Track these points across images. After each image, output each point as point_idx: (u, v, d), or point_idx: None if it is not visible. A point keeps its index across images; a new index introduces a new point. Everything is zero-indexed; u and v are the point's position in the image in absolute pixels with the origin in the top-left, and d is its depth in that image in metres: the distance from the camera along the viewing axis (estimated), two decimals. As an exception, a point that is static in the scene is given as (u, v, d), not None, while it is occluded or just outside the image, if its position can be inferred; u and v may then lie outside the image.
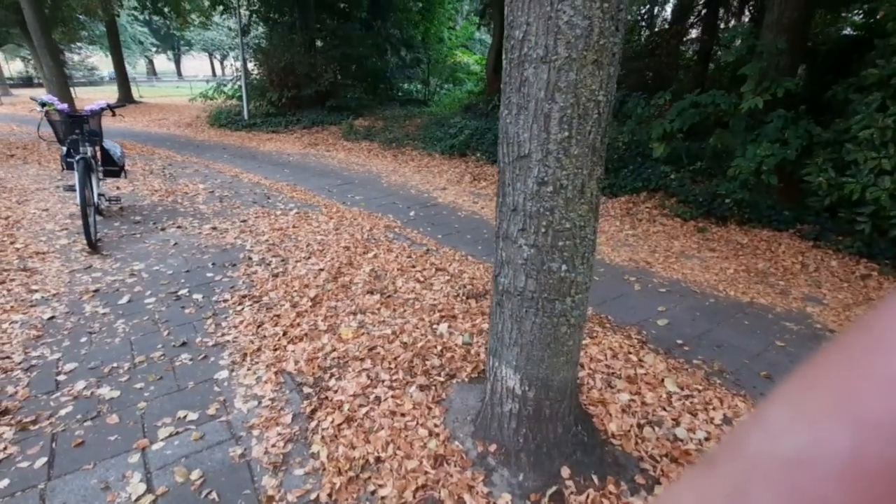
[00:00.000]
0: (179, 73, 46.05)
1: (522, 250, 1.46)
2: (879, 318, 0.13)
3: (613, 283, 3.86)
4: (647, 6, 10.36)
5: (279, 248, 4.06)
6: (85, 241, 3.86)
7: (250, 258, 3.87)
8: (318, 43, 13.03)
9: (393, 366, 2.49)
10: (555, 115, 1.20)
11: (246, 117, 12.05)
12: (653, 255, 4.46)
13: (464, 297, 3.27)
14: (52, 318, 2.95)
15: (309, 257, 3.86)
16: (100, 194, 4.36)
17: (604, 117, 1.25)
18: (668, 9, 10.70)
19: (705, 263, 4.28)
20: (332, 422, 2.11)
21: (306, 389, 2.34)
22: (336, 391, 2.32)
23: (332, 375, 2.44)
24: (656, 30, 9.86)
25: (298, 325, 2.89)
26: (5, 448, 1.99)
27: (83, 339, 2.75)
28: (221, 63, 44.44)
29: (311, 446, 2.00)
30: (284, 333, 2.80)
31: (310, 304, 3.12)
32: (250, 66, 12.67)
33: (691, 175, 5.99)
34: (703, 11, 9.04)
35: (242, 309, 3.09)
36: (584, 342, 2.68)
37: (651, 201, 5.90)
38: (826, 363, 0.13)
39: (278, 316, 2.99)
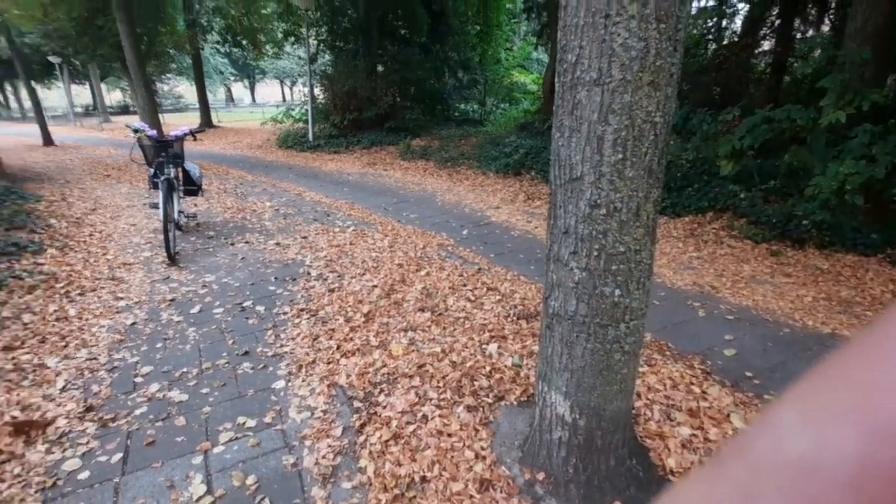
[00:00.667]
0: (254, 99, 49.69)
1: (574, 273, 1.43)
2: (891, 324, 0.13)
3: (675, 307, 3.66)
4: (715, 19, 9.97)
5: (336, 264, 4.21)
6: (165, 254, 4.21)
7: (309, 273, 4.04)
8: (380, 68, 13.61)
9: (441, 384, 2.49)
10: (608, 138, 1.18)
11: (311, 139, 12.74)
12: (719, 279, 4.19)
13: (514, 318, 3.23)
14: (134, 323, 3.23)
15: (364, 273, 3.98)
16: (179, 211, 4.76)
17: (661, 139, 1.21)
18: (738, 21, 10.24)
19: (779, 290, 3.96)
20: (380, 437, 2.14)
21: (356, 403, 2.39)
22: (385, 407, 2.35)
23: (381, 391, 2.47)
24: (724, 43, 9.44)
25: (351, 339, 2.97)
26: (88, 442, 2.18)
27: (159, 345, 2.98)
28: (291, 89, 47.55)
29: (360, 460, 2.03)
30: (338, 347, 2.89)
31: (363, 319, 3.21)
32: (316, 91, 13.43)
33: (763, 194, 5.61)
34: (777, 22, 8.56)
35: (300, 322, 3.23)
36: (640, 370, 2.55)
37: (718, 222, 5.58)
38: (836, 367, 0.13)
39: (333, 330, 3.09)
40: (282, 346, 2.96)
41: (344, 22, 13.83)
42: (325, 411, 2.35)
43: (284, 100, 44.76)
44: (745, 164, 5.65)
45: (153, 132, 4.41)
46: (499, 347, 2.83)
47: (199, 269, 4.17)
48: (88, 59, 18.06)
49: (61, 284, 3.76)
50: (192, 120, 21.64)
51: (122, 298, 3.59)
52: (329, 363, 2.74)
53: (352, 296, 3.55)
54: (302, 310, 3.39)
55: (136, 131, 4.36)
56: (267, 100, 48.65)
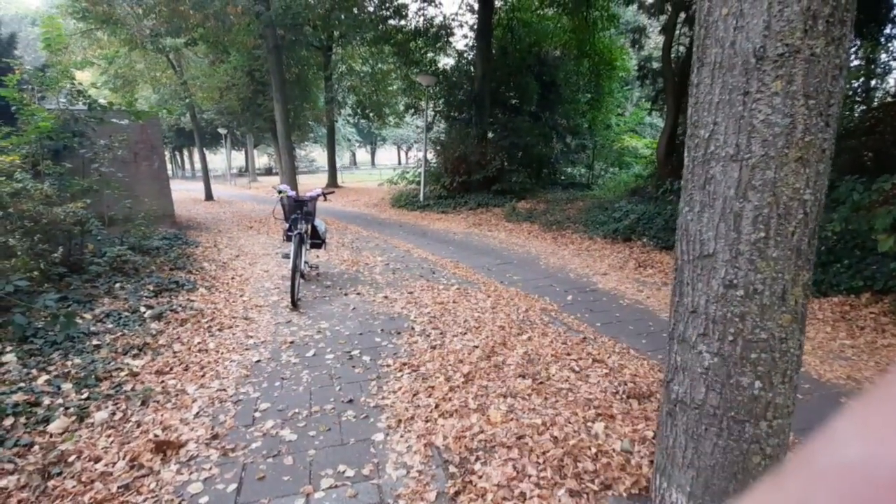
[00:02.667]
0: (373, 163, 54.91)
1: (703, 357, 1.30)
2: None
3: (822, 404, 3.11)
4: (861, 79, 9.01)
5: (439, 321, 4.30)
6: (290, 300, 4.66)
7: (413, 328, 4.17)
8: (490, 134, 14.31)
9: (541, 461, 2.34)
10: (747, 215, 1.10)
11: (421, 199, 13.58)
12: (882, 374, 3.49)
13: (624, 396, 2.98)
14: (259, 361, 3.56)
15: (465, 333, 4.00)
16: (305, 262, 5.29)
17: (811, 217, 1.09)
18: (891, 81, 9.14)
19: (974, 398, 3.17)
20: (475, 510, 2.04)
21: (451, 468, 2.33)
22: (481, 477, 2.26)
23: (477, 458, 2.39)
24: (875, 104, 8.43)
25: (450, 399, 2.96)
26: (210, 468, 2.39)
27: (277, 383, 3.23)
28: (406, 153, 51.93)
29: (453, 532, 1.96)
30: (436, 406, 2.89)
31: (462, 380, 3.19)
32: (430, 155, 14.47)
33: (941, 277, 4.67)
34: (947, 81, 7.46)
35: (402, 376, 3.31)
36: (782, 478, 2.16)
37: (877, 305, 4.73)
38: (892, 384, 0.14)
39: (432, 388, 3.11)
40: (383, 398, 3.04)
41: (459, 95, 14.96)
42: (420, 471, 2.33)
43: (400, 163, 48.86)
44: (912, 240, 4.80)
45: (292, 193, 5.05)
46: (606, 427, 2.61)
47: (316, 315, 4.54)
48: (247, 130, 21.64)
49: (206, 320, 4.32)
50: (322, 180, 24.44)
51: (251, 337, 4.01)
52: (427, 421, 2.74)
53: (452, 354, 3.58)
54: (404, 364, 3.48)
55: (279, 192, 5.03)
56: (385, 162, 53.44)
